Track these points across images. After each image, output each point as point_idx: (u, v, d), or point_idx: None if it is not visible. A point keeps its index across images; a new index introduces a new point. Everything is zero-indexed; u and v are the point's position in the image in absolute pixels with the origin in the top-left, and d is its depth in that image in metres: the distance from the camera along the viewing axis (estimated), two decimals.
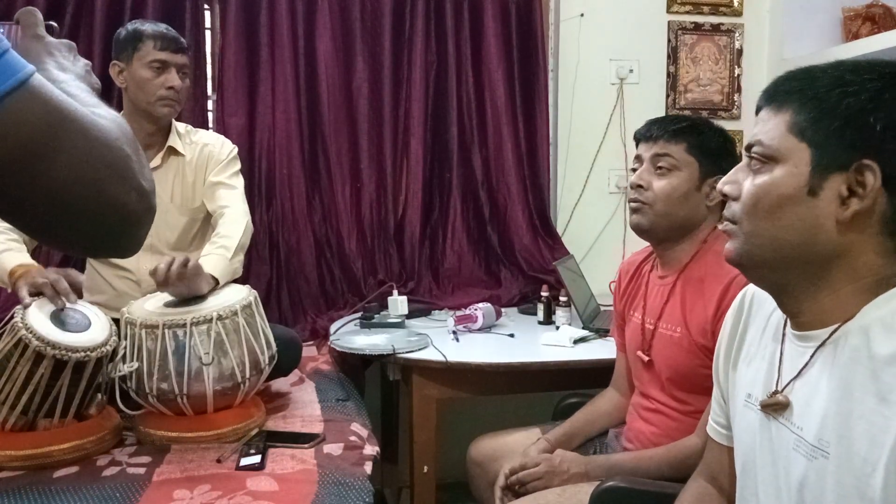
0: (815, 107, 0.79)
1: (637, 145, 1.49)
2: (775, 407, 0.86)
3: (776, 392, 0.86)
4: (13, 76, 0.50)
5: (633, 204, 1.45)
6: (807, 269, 0.81)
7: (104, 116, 0.58)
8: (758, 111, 0.88)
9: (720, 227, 0.91)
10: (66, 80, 0.64)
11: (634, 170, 1.47)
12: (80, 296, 1.56)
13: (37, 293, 1.51)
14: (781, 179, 0.81)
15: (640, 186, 1.43)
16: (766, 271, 0.86)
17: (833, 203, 0.78)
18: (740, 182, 0.86)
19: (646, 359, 1.47)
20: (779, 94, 0.84)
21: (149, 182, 0.60)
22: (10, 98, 0.50)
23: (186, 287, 1.58)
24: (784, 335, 0.89)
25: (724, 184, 0.89)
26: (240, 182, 1.98)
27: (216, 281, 1.67)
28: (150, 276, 1.57)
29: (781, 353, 0.88)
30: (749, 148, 0.86)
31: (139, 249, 0.62)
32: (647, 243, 1.53)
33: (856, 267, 0.79)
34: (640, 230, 1.45)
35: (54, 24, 0.74)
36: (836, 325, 0.80)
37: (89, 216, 0.55)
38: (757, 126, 0.86)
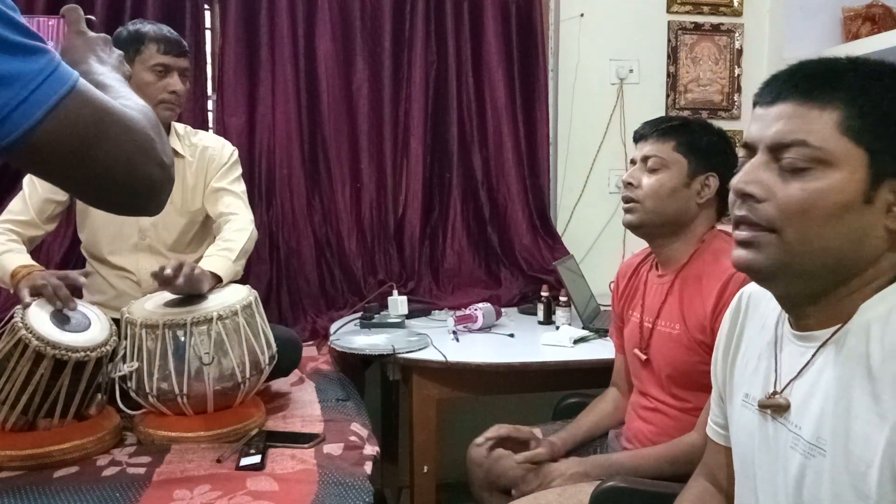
0: (872, 110, 0.76)
1: (635, 146, 1.52)
2: (775, 408, 0.85)
3: (775, 393, 0.86)
4: (66, 84, 0.65)
5: (624, 204, 1.48)
6: (840, 277, 0.79)
7: (132, 107, 0.73)
8: (773, 102, 0.81)
9: (733, 232, 0.86)
10: (103, 72, 0.81)
11: None
12: (80, 296, 1.56)
13: (37, 294, 1.52)
14: (839, 186, 0.76)
15: (630, 184, 1.47)
16: (799, 281, 0.81)
17: (882, 211, 0.76)
18: (765, 182, 0.80)
19: (643, 357, 1.48)
20: (821, 88, 0.78)
21: (168, 157, 0.76)
22: (66, 100, 0.64)
23: (188, 287, 1.58)
24: (781, 335, 0.88)
25: (747, 183, 0.81)
26: (242, 187, 1.98)
27: (218, 279, 1.67)
28: (153, 278, 1.57)
29: (779, 353, 0.88)
30: (783, 145, 0.78)
31: (162, 209, 0.78)
32: (647, 244, 1.55)
33: (877, 270, 0.78)
34: (632, 228, 1.48)
35: (93, 17, 0.88)
36: (838, 326, 0.79)
37: (125, 186, 0.71)
38: (781, 121, 0.79)
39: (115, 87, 0.78)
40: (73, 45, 0.83)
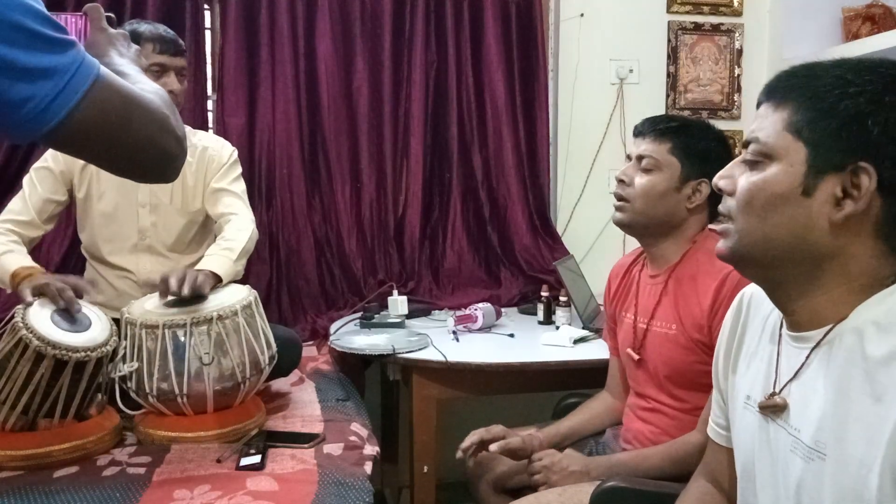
0: (814, 106, 0.79)
1: (634, 142, 1.52)
2: (773, 409, 0.85)
3: (773, 394, 0.86)
4: (92, 73, 0.74)
5: (616, 202, 1.49)
6: (798, 268, 0.81)
7: (149, 91, 0.83)
8: (758, 105, 0.87)
9: (715, 226, 0.91)
10: (123, 63, 0.91)
11: None
12: (80, 297, 1.56)
13: (39, 294, 1.52)
14: (775, 177, 0.80)
15: (622, 181, 1.47)
16: (758, 269, 0.86)
17: (827, 204, 0.77)
18: (735, 178, 0.86)
19: (636, 357, 1.48)
20: (779, 90, 0.83)
21: (182, 132, 0.86)
22: (94, 87, 0.73)
23: (192, 293, 1.58)
24: (780, 336, 0.88)
25: (720, 178, 0.88)
26: (242, 186, 1.98)
27: (218, 279, 1.67)
28: (153, 286, 1.57)
29: (778, 355, 0.88)
30: (746, 144, 0.85)
31: (177, 177, 0.88)
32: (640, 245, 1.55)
33: (849, 268, 0.79)
34: (620, 226, 1.50)
35: (112, 15, 0.98)
36: (830, 326, 0.80)
37: (148, 157, 0.81)
38: (755, 122, 0.85)
39: (133, 75, 0.87)
40: (96, 40, 0.93)
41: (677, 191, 1.42)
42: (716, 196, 1.39)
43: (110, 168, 0.84)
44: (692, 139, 1.43)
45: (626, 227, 1.49)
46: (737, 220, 0.85)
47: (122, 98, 0.77)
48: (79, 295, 1.54)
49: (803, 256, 0.80)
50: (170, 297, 1.61)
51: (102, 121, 0.75)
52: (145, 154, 0.81)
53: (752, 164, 0.83)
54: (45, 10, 0.71)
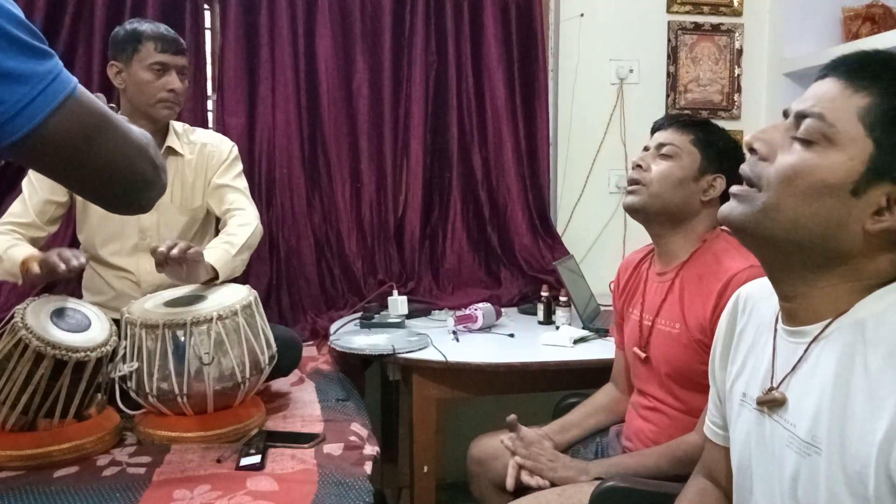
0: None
1: (651, 137, 1.52)
2: (771, 403, 0.85)
3: (772, 388, 0.86)
4: (68, 86, 0.71)
5: (629, 186, 1.47)
6: (812, 259, 0.79)
7: (131, 125, 0.82)
8: (821, 77, 0.81)
9: (734, 189, 0.86)
10: None
11: None
12: (80, 296, 1.56)
13: (47, 269, 1.53)
14: (832, 166, 0.75)
15: (639, 166, 1.46)
16: (768, 246, 0.83)
17: (868, 210, 0.75)
18: (775, 144, 0.81)
19: (643, 355, 1.48)
20: (863, 73, 0.77)
21: (160, 161, 0.85)
22: (69, 100, 0.71)
23: (185, 271, 1.57)
24: (776, 332, 0.88)
25: (756, 139, 0.82)
26: (244, 182, 1.99)
27: (215, 273, 1.67)
28: (151, 254, 1.56)
29: (774, 350, 0.88)
30: (804, 115, 0.79)
31: (152, 208, 0.86)
32: (648, 242, 1.55)
33: (861, 269, 0.78)
34: (632, 210, 1.47)
35: (114, 105, 0.98)
36: (828, 321, 0.79)
37: (124, 181, 0.78)
38: (816, 94, 0.79)
39: None
40: None
41: (695, 181, 1.43)
42: (728, 196, 1.40)
43: (83, 190, 0.80)
44: (713, 136, 1.45)
45: (637, 211, 1.46)
46: (768, 192, 0.79)
47: (99, 116, 0.74)
48: (78, 293, 1.55)
49: (822, 250, 0.78)
50: (170, 297, 1.61)
51: (76, 135, 0.71)
52: (120, 176, 0.77)
53: (805, 141, 0.77)
54: (25, 19, 0.69)
